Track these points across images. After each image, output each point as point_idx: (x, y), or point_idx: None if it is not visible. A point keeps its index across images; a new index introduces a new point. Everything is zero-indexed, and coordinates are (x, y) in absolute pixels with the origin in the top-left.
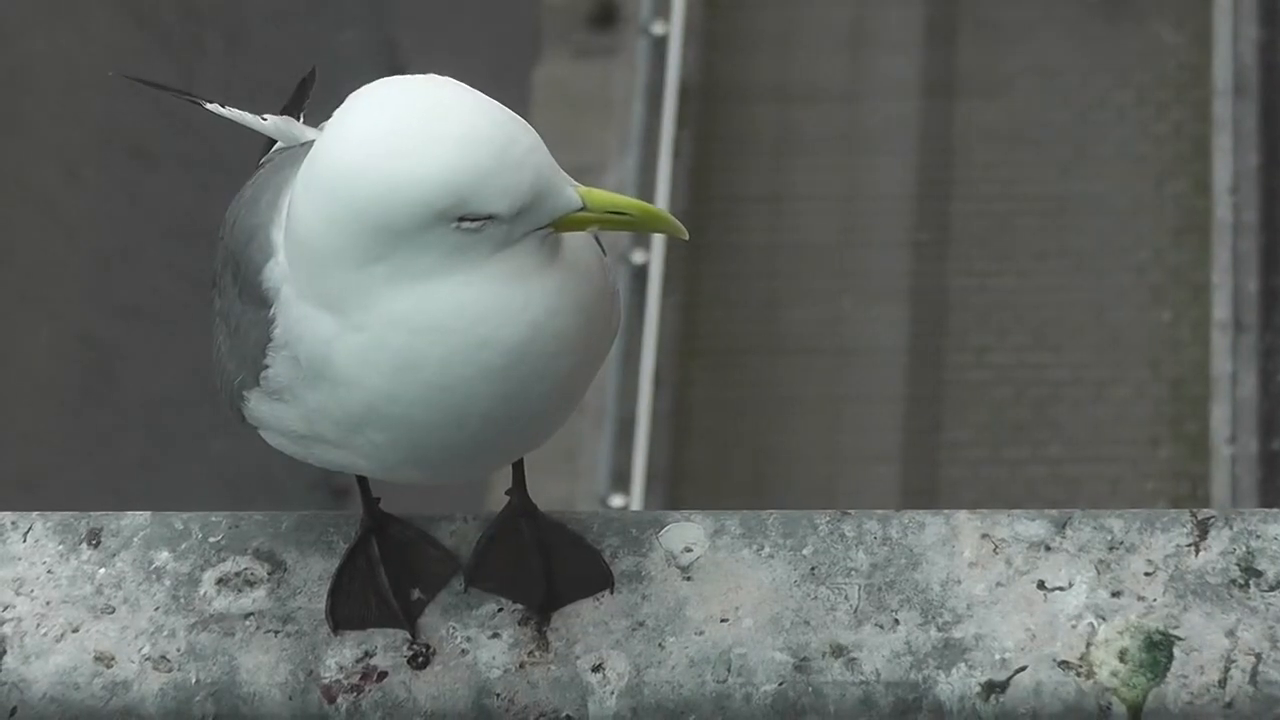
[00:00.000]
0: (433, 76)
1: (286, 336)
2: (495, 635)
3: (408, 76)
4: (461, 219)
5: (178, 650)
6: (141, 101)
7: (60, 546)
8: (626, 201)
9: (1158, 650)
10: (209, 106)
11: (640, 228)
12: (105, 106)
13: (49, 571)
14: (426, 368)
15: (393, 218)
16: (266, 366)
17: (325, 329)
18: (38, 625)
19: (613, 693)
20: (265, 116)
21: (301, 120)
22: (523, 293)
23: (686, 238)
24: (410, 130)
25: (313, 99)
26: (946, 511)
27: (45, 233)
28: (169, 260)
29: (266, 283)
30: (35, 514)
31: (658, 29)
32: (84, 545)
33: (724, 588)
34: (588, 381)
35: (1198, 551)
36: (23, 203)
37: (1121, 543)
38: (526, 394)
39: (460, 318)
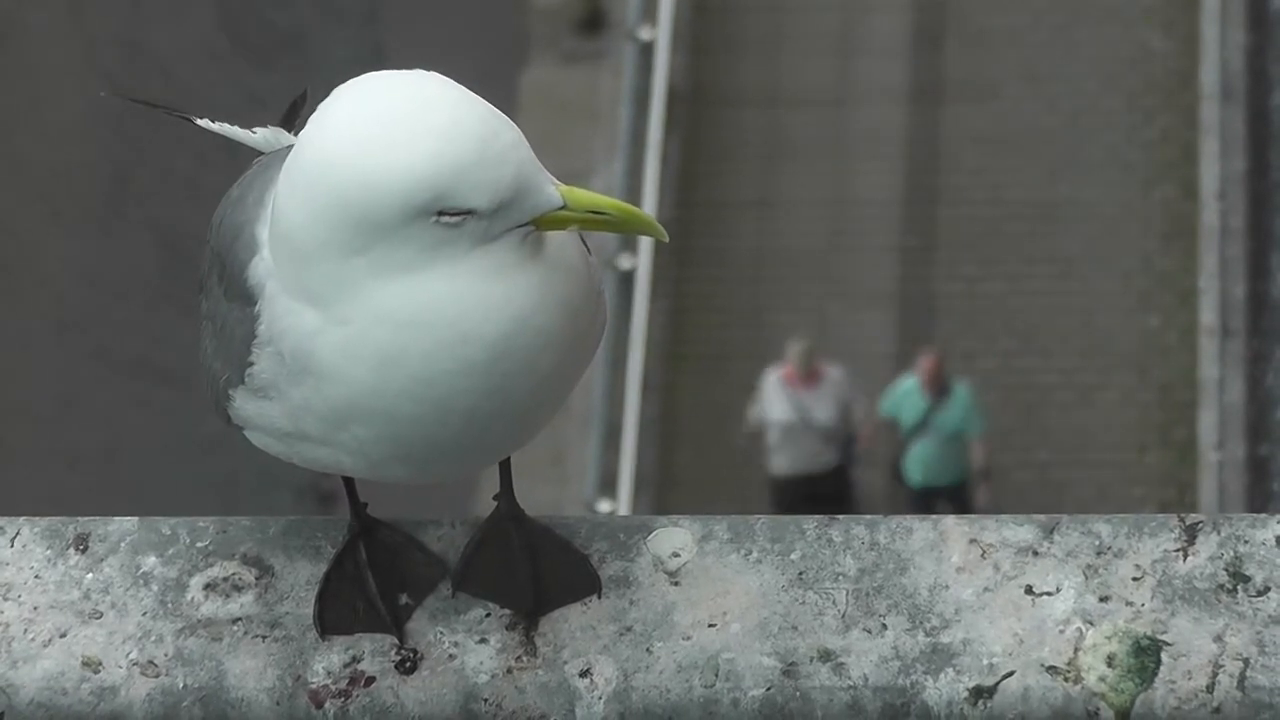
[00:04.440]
0: (419, 71)
1: (271, 332)
2: (483, 640)
3: (394, 71)
4: (441, 213)
5: (165, 655)
6: None
7: (48, 551)
8: (607, 201)
9: (1146, 655)
10: (199, 122)
11: (621, 228)
12: None
13: (36, 577)
14: (409, 362)
15: (372, 209)
16: (252, 364)
17: (309, 323)
18: (25, 630)
19: (600, 698)
20: (255, 130)
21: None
22: (505, 288)
23: (667, 239)
24: (392, 122)
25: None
26: (934, 516)
27: None
28: None
29: (252, 279)
30: (22, 519)
31: (645, 34)
32: (71, 550)
33: (711, 592)
34: (574, 381)
35: (1186, 557)
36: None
37: (1109, 548)
38: (510, 390)
39: (442, 312)
